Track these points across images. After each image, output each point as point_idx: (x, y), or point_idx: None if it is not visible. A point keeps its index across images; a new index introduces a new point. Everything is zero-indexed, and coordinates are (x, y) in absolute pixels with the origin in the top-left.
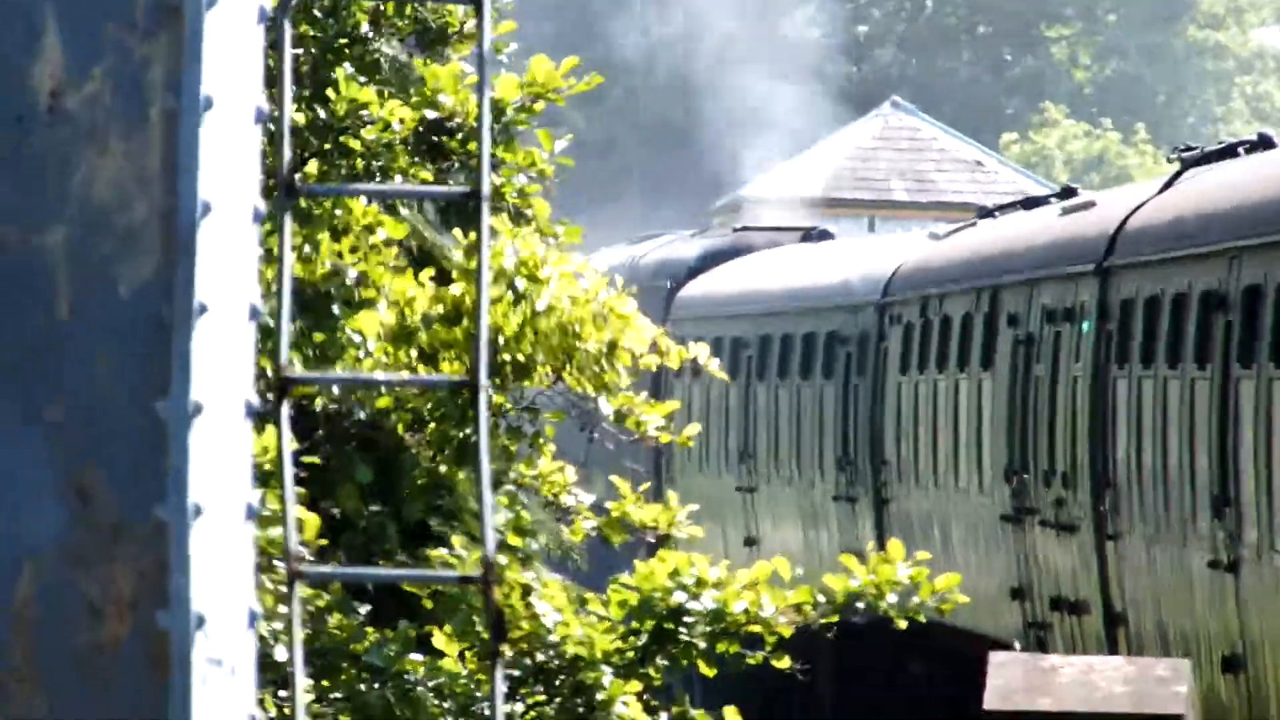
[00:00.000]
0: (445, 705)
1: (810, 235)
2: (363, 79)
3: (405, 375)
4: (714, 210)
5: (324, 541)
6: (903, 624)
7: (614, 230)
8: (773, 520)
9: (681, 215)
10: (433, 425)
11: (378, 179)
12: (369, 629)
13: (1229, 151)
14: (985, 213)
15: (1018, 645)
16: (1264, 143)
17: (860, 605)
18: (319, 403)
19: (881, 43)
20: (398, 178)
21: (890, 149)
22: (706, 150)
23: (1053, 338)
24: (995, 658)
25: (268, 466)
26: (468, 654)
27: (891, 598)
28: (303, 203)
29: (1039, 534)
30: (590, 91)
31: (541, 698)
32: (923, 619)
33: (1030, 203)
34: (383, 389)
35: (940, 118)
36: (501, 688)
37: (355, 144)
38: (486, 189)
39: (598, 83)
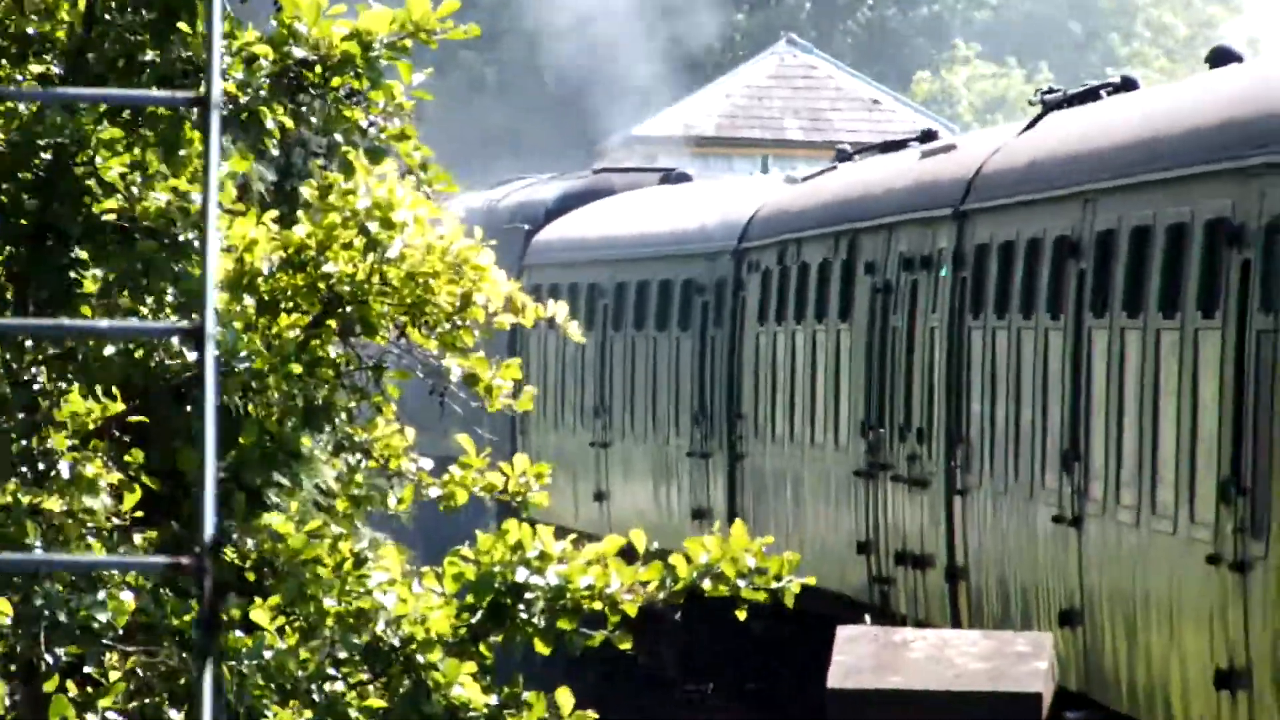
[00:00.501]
0: (270, 685)
1: (669, 177)
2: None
3: (124, 323)
4: (605, 149)
5: (140, 514)
6: (742, 615)
7: (504, 176)
8: (624, 476)
9: (579, 160)
10: (273, 382)
11: (244, 117)
12: (194, 603)
13: (1091, 94)
14: (844, 155)
15: (868, 619)
16: (1126, 85)
17: (706, 584)
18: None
19: None
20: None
21: (786, 87)
22: (599, 94)
23: (910, 286)
24: (843, 632)
25: (84, 429)
26: (288, 629)
27: (740, 582)
28: (143, 131)
29: (890, 489)
30: (484, 35)
31: (364, 677)
32: (764, 598)
33: (890, 146)
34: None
35: (844, 59)
36: (209, 690)
37: (226, 85)
38: (218, 94)
39: (475, 33)
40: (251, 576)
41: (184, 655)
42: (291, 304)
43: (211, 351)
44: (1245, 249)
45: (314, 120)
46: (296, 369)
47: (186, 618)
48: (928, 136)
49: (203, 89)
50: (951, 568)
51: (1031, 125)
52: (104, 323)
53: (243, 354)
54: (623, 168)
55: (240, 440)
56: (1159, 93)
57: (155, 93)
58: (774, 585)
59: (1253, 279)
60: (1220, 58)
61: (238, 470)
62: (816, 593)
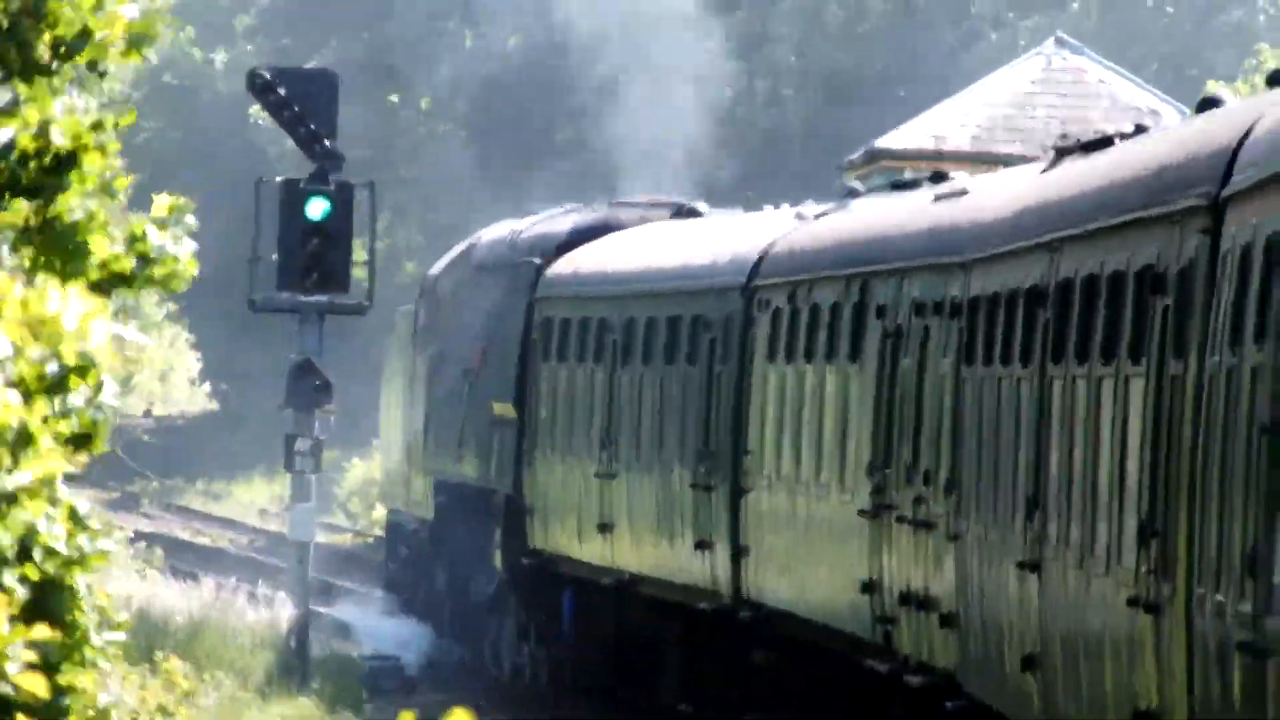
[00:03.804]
0: None
1: (681, 211)
2: None
3: None
4: (850, 164)
5: None
6: None
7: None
8: (629, 508)
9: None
10: None
11: None
12: None
13: (1105, 141)
14: (853, 192)
15: None
16: (1139, 131)
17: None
18: None
19: None
20: None
21: (1051, 94)
22: (863, 96)
23: (921, 331)
24: None
25: None
26: None
27: None
28: None
29: (895, 531)
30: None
31: None
32: None
33: (900, 185)
34: None
35: (1132, 67)
36: None
37: None
38: None
39: None
40: None
41: None
42: None
43: None
44: (1166, 295)
45: None
46: None
47: None
48: (938, 178)
49: None
50: (944, 611)
51: (1044, 173)
52: None
53: None
54: (634, 201)
55: None
56: (1138, 140)
57: None
58: None
59: (1169, 325)
60: (1205, 105)
61: None
62: (821, 629)
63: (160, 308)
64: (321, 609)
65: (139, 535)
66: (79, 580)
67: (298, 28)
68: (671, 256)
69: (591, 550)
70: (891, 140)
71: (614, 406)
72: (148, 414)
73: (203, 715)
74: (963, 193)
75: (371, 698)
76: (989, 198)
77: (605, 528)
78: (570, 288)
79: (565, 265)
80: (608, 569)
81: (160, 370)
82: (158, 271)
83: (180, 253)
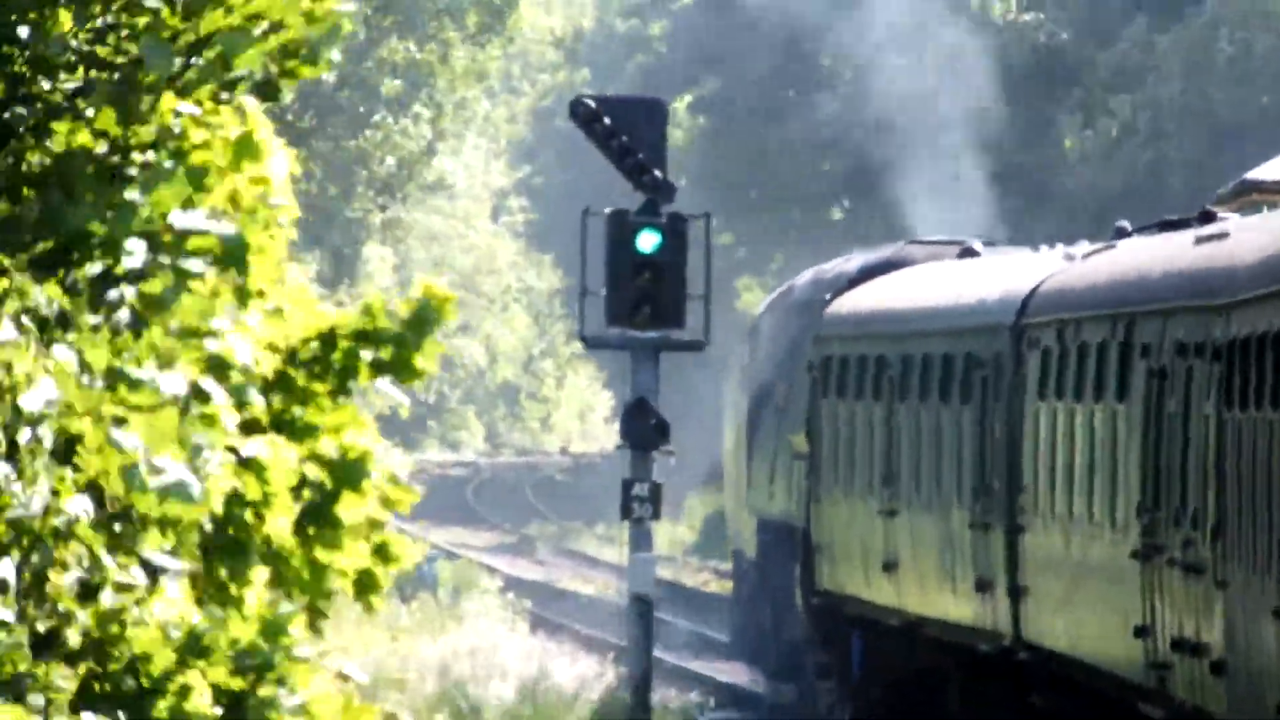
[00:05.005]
0: None
1: (965, 251)
2: None
3: None
4: (1221, 197)
5: None
6: None
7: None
8: (911, 545)
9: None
10: None
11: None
12: None
13: None
14: (1122, 233)
15: None
16: None
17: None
18: None
19: None
20: None
21: None
22: (1247, 133)
23: (1185, 373)
24: None
25: None
26: None
27: None
28: None
29: (1166, 574)
30: None
31: None
32: None
33: (1168, 225)
34: None
35: None
36: None
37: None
38: None
39: None
40: None
41: None
42: None
43: None
44: None
45: None
46: None
47: None
48: (1206, 218)
49: None
50: (1218, 658)
51: None
52: None
53: None
54: (926, 240)
55: None
56: None
57: None
58: None
59: None
60: None
61: None
62: (1096, 672)
63: (568, 345)
64: (677, 660)
65: (518, 582)
66: (280, 692)
67: (689, 65)
68: (943, 295)
69: (877, 590)
70: (1263, 173)
71: (894, 443)
72: (564, 452)
73: None
74: (1223, 235)
75: None
76: (1247, 241)
77: (890, 566)
78: (851, 325)
79: (846, 303)
80: (893, 610)
81: (579, 409)
82: (384, 354)
83: (419, 343)
